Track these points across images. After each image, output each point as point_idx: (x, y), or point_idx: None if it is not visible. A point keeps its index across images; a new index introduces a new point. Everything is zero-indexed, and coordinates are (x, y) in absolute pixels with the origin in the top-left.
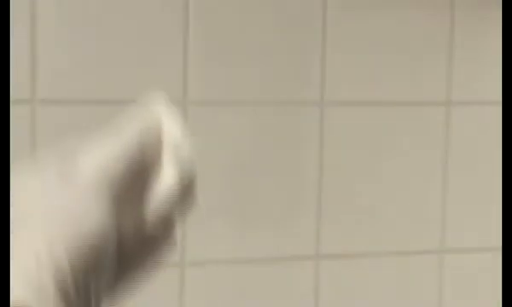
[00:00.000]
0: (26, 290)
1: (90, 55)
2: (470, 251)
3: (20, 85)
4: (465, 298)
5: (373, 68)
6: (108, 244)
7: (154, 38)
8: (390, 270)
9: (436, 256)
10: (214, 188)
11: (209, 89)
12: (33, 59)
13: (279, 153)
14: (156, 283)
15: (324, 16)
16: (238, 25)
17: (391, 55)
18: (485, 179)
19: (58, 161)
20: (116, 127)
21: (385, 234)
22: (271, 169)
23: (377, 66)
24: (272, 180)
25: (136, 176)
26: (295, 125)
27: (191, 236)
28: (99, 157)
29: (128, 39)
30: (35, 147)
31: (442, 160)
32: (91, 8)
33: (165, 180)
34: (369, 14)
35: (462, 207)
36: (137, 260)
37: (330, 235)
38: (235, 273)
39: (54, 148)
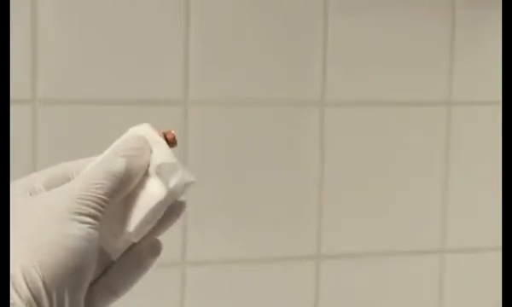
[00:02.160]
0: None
1: (90, 55)
2: (470, 251)
3: (21, 85)
4: (465, 298)
5: (373, 68)
6: (86, 262)
7: (154, 38)
8: (390, 270)
9: (436, 256)
10: (214, 187)
11: (209, 89)
12: (33, 59)
13: (279, 153)
14: (157, 283)
15: (325, 16)
16: (238, 25)
17: (391, 55)
18: (486, 179)
19: (41, 180)
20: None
21: (385, 234)
22: (271, 169)
23: (377, 66)
24: (272, 180)
25: (120, 188)
26: (295, 125)
27: (192, 236)
28: (83, 173)
29: (128, 39)
30: (35, 147)
31: (442, 160)
32: (91, 8)
33: (152, 193)
34: (369, 14)
35: (462, 207)
36: (123, 270)
37: (331, 235)
38: (236, 273)
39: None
